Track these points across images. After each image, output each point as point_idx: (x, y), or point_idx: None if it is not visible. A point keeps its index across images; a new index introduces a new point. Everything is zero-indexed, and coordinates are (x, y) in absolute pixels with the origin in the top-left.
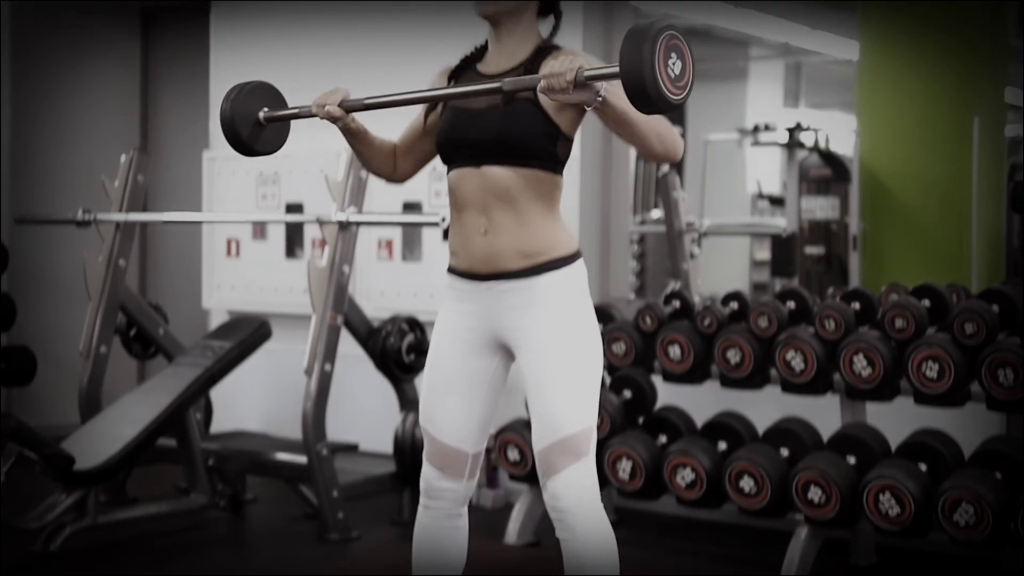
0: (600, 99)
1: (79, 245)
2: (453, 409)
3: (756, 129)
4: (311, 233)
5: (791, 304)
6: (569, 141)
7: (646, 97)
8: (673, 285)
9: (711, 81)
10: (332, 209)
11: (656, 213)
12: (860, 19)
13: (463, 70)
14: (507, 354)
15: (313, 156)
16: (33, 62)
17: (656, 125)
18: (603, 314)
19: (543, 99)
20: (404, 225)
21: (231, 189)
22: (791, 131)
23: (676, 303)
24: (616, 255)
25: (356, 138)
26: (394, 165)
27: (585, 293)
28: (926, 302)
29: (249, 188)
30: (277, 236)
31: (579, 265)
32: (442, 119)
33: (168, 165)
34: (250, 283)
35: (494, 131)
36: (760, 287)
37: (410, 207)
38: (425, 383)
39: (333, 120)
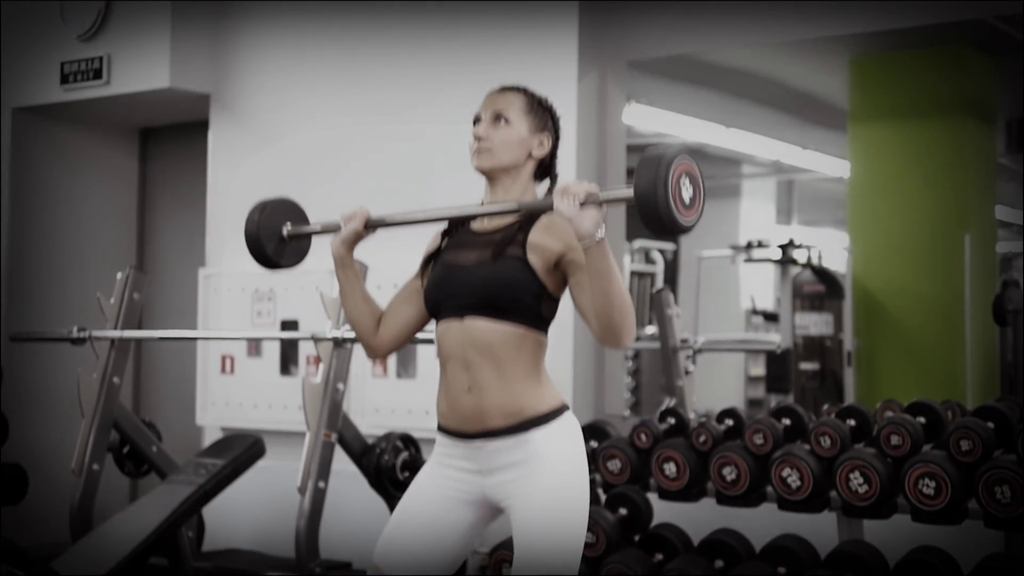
0: (599, 239)
1: (73, 362)
2: (415, 551)
3: (749, 246)
4: (306, 350)
5: (786, 421)
6: (555, 301)
7: (659, 220)
8: (668, 402)
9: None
10: (327, 326)
11: (651, 329)
12: (851, 138)
13: (456, 228)
14: (488, 511)
15: (308, 274)
16: (32, 179)
17: (626, 299)
18: (598, 431)
19: (532, 258)
20: None
21: (226, 306)
22: (784, 247)
23: (671, 420)
24: (611, 372)
25: (348, 274)
26: (376, 327)
27: (576, 446)
28: (921, 419)
29: (244, 305)
30: (272, 353)
31: (567, 417)
32: (431, 272)
33: (164, 282)
34: (244, 400)
35: (479, 283)
36: (755, 403)
37: None
38: (394, 519)
39: (350, 230)
